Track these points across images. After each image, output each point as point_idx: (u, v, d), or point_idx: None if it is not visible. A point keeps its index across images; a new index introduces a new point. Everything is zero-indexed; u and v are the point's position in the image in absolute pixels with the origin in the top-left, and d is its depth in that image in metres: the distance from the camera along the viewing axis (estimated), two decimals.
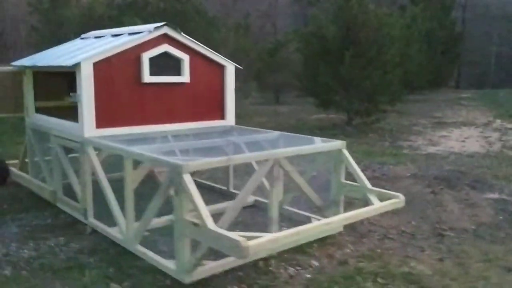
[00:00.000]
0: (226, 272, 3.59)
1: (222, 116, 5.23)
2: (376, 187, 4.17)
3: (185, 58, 4.79)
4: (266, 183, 4.51)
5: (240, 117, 6.99)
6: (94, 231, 4.34)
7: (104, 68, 4.31)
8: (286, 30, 22.82)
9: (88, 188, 4.35)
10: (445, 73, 23.30)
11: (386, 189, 4.32)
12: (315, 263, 3.86)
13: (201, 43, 4.97)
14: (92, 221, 4.35)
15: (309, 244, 4.12)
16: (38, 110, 5.42)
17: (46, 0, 18.30)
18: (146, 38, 4.53)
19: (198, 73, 4.93)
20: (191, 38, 4.85)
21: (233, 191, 5.49)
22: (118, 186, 4.04)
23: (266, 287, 3.46)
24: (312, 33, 11.38)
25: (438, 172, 6.75)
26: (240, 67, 5.31)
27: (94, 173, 4.25)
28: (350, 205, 4.68)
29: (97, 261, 3.80)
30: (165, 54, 4.66)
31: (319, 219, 4.19)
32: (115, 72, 4.39)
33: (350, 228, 4.49)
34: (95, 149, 4.33)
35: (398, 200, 3.80)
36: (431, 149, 8.87)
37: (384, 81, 10.46)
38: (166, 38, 4.67)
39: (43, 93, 5.55)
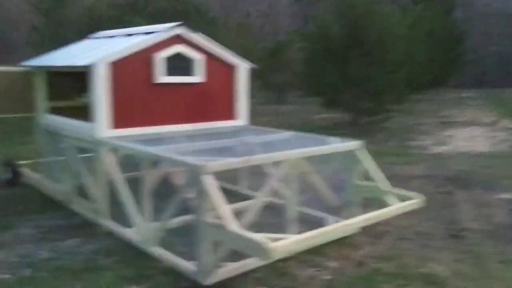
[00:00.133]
0: (245, 274, 3.56)
1: (234, 116, 5.21)
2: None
3: (198, 58, 4.77)
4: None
5: None
6: (109, 232, 4.31)
7: (118, 68, 4.29)
8: (286, 30, 22.83)
9: (103, 188, 4.32)
10: (446, 73, 23.32)
11: None
12: (333, 264, 3.84)
13: None
14: (107, 222, 4.33)
15: (325, 245, 4.09)
16: (50, 110, 5.39)
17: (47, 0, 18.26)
18: (160, 38, 4.51)
19: (211, 73, 4.91)
20: (204, 38, 4.82)
21: (245, 191, 5.46)
22: (130, 187, 4.03)
23: None
24: (316, 32, 11.36)
25: (448, 172, 6.74)
26: (255, 66, 5.28)
27: (108, 174, 4.22)
28: (363, 206, 4.65)
29: (115, 262, 3.78)
30: (178, 54, 4.64)
31: (336, 220, 4.18)
32: (129, 72, 4.37)
33: (365, 228, 4.47)
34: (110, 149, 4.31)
35: (417, 200, 3.78)
36: (439, 149, 8.86)
37: (390, 81, 10.45)
38: (179, 38, 4.65)
39: (53, 94, 5.52)
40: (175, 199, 3.52)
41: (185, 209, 3.90)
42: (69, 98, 5.82)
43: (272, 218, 4.72)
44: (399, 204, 3.75)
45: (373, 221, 3.60)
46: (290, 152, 3.77)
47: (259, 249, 2.76)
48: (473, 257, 4.00)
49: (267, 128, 5.20)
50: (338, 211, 4.33)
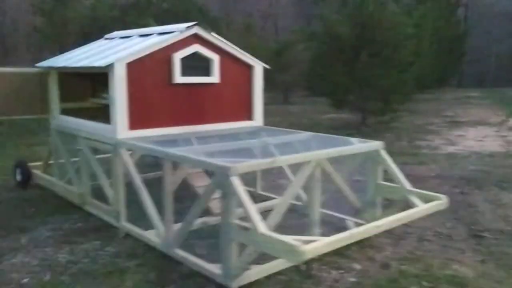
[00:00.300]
0: (268, 276, 3.51)
1: (250, 117, 5.16)
2: None
3: (215, 58, 4.72)
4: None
5: None
6: (127, 235, 4.26)
7: (136, 69, 4.24)
8: (287, 30, 22.77)
9: (121, 190, 4.27)
10: (450, 72, 23.30)
11: None
12: (357, 266, 3.79)
13: None
14: (126, 224, 4.27)
15: (347, 246, 4.02)
16: (63, 111, 5.35)
17: (50, 0, 18.22)
18: (177, 38, 4.46)
19: (227, 73, 4.86)
20: (220, 38, 4.78)
21: (261, 192, 5.42)
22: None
23: None
24: (323, 32, 11.30)
25: (462, 172, 6.69)
26: (268, 67, 5.23)
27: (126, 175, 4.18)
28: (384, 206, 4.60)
29: (137, 265, 3.72)
30: (194, 55, 4.59)
31: (358, 222, 4.13)
32: (147, 73, 4.32)
33: (386, 230, 4.41)
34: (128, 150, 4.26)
35: (443, 201, 3.73)
36: (451, 149, 8.80)
37: (399, 80, 10.40)
38: (196, 38, 4.59)
39: (66, 95, 5.47)
40: (199, 201, 3.47)
41: (203, 211, 3.85)
42: (81, 99, 5.78)
43: (292, 220, 4.67)
44: (426, 205, 3.70)
45: (402, 222, 3.55)
46: (317, 152, 3.72)
47: (290, 252, 2.71)
48: (497, 258, 3.96)
49: (284, 129, 5.14)
50: (360, 212, 4.28)
